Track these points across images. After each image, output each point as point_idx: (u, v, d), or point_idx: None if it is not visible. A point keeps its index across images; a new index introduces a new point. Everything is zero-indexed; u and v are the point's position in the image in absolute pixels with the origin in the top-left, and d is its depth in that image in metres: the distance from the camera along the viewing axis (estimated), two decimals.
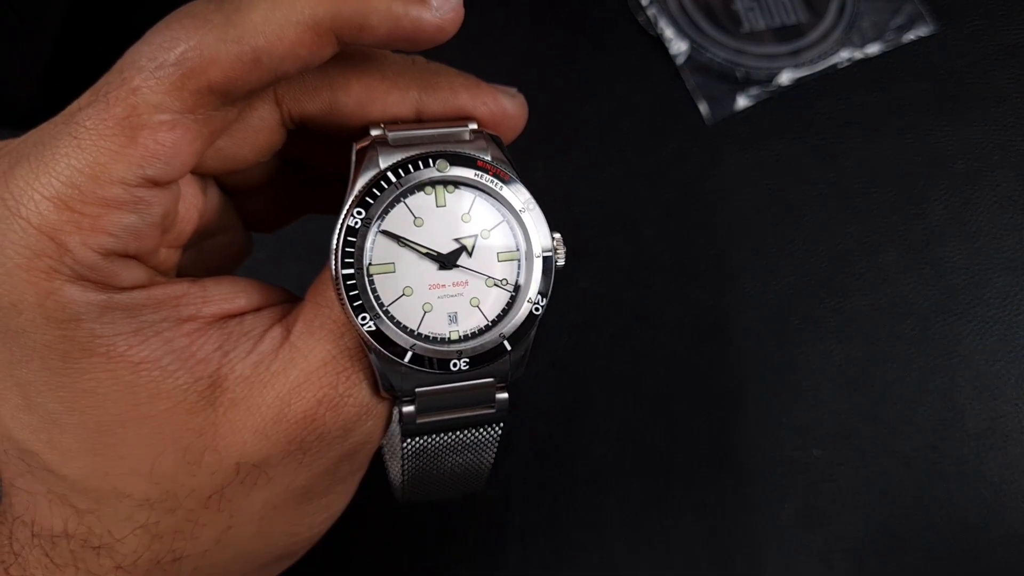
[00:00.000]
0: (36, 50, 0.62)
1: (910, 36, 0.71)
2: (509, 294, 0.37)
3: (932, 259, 0.64)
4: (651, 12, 0.70)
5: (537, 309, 0.37)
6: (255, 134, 0.37)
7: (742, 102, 0.68)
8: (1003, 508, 0.57)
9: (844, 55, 0.70)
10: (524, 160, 0.65)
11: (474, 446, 0.39)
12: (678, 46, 0.69)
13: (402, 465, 0.39)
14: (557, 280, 0.62)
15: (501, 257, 0.37)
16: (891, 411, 0.60)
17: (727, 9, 0.71)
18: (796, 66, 0.69)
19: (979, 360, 0.61)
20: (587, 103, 0.69)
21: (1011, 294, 0.63)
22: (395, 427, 0.37)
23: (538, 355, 0.61)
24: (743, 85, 0.69)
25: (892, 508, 0.58)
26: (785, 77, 0.69)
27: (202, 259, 0.41)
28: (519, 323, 0.36)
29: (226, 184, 0.40)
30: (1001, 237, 0.64)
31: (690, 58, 0.69)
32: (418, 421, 0.36)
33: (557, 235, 0.37)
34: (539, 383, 0.61)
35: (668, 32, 0.69)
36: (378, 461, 0.46)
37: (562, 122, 0.68)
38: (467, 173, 0.36)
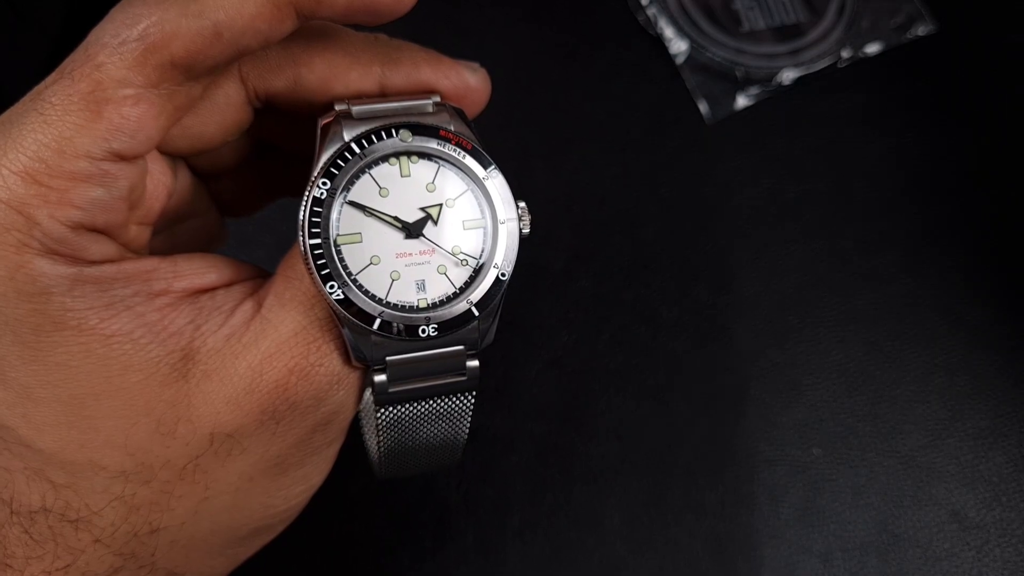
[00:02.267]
0: (36, 50, 0.62)
1: (910, 36, 0.71)
2: (476, 261, 0.37)
3: (932, 258, 0.64)
4: (651, 12, 0.70)
5: (503, 275, 0.37)
6: (221, 112, 0.38)
7: (742, 102, 0.68)
8: (1002, 507, 0.57)
9: (844, 55, 0.70)
10: (524, 159, 0.65)
11: (448, 416, 0.40)
12: (678, 46, 0.69)
13: (378, 437, 0.39)
14: (556, 276, 0.63)
15: (467, 225, 0.37)
16: (891, 410, 0.60)
17: (727, 9, 0.71)
18: (796, 66, 0.69)
19: (979, 358, 0.61)
20: (587, 103, 0.69)
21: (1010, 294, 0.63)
22: (370, 399, 0.37)
23: (538, 355, 0.61)
24: (743, 85, 0.69)
25: (892, 508, 0.57)
26: (785, 77, 0.69)
27: (175, 244, 0.42)
28: (486, 290, 0.37)
29: (197, 166, 0.41)
30: (1001, 236, 0.64)
31: (690, 58, 0.69)
32: (390, 390, 0.36)
33: (522, 203, 0.38)
34: (539, 383, 0.61)
35: (668, 32, 0.69)
36: (367, 457, 0.46)
37: (562, 122, 0.68)
38: (430, 143, 0.37)
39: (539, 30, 0.71)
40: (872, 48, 0.70)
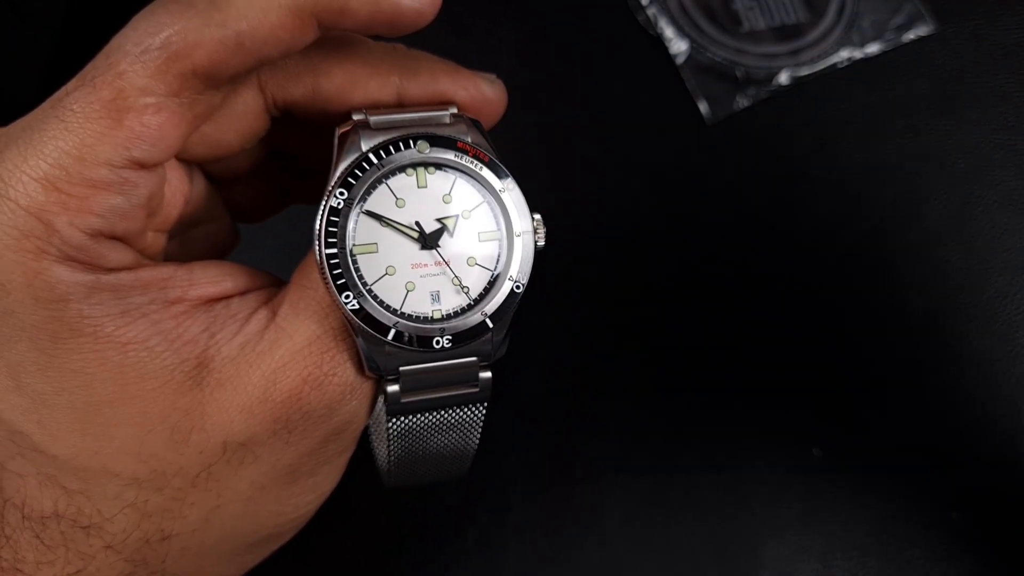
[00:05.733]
0: (36, 50, 0.62)
1: (910, 36, 0.71)
2: (490, 273, 0.37)
3: (932, 259, 0.64)
4: (651, 12, 0.70)
5: (518, 288, 0.37)
6: (239, 120, 0.38)
7: (742, 102, 0.68)
8: (1001, 507, 0.57)
9: (844, 55, 0.70)
10: (524, 159, 0.65)
11: (459, 426, 0.40)
12: (678, 46, 0.69)
13: (388, 446, 0.40)
14: (556, 277, 0.63)
15: (482, 237, 0.38)
16: (891, 410, 0.60)
17: (727, 9, 0.71)
18: (796, 66, 0.69)
19: (979, 359, 0.61)
20: (587, 103, 0.69)
21: (1010, 294, 0.63)
22: (381, 409, 0.37)
23: (538, 355, 0.61)
24: (743, 85, 0.69)
25: (892, 508, 0.58)
26: (785, 77, 0.69)
27: (189, 248, 0.42)
28: (500, 302, 0.37)
29: (212, 172, 0.41)
30: (1000, 237, 0.64)
31: (690, 58, 0.69)
32: (402, 400, 0.37)
33: (537, 216, 0.38)
34: (539, 383, 0.61)
35: (668, 32, 0.69)
36: (372, 460, 0.46)
37: (562, 122, 0.68)
38: (447, 155, 0.37)
39: (539, 30, 0.71)
40: (872, 48, 0.70)
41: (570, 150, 0.67)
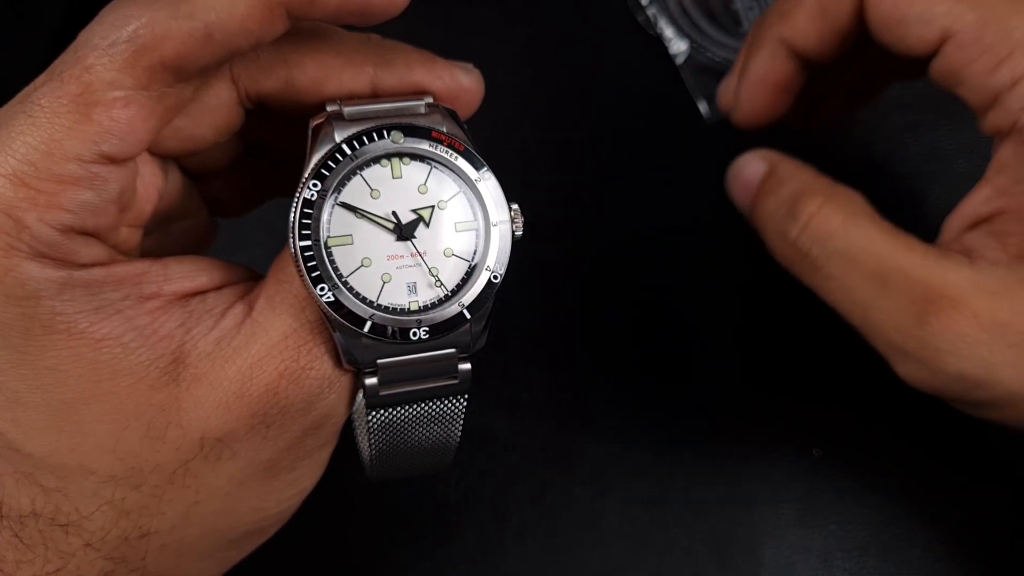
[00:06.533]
0: (36, 50, 0.62)
1: None
2: (467, 264, 0.37)
3: None
4: (651, 12, 0.70)
5: (495, 278, 0.37)
6: (212, 113, 0.37)
7: None
8: (1002, 505, 0.57)
9: None
10: (523, 159, 0.65)
11: (440, 419, 0.40)
12: (678, 46, 0.69)
13: (369, 440, 0.39)
14: (556, 277, 0.63)
15: (459, 227, 0.37)
16: (890, 408, 0.60)
17: (727, 9, 0.70)
18: None
19: None
20: (586, 103, 0.69)
21: None
22: (362, 402, 0.37)
23: (538, 355, 0.61)
24: None
25: (892, 508, 0.57)
26: None
27: (166, 244, 0.42)
28: (478, 292, 0.37)
29: (188, 167, 0.41)
30: None
31: (690, 58, 0.69)
32: (381, 393, 0.36)
33: (515, 206, 0.38)
34: (539, 383, 0.61)
35: (668, 32, 0.69)
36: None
37: (561, 122, 0.68)
38: (422, 144, 0.37)
39: (538, 30, 0.71)
40: None
41: (569, 149, 0.67)
